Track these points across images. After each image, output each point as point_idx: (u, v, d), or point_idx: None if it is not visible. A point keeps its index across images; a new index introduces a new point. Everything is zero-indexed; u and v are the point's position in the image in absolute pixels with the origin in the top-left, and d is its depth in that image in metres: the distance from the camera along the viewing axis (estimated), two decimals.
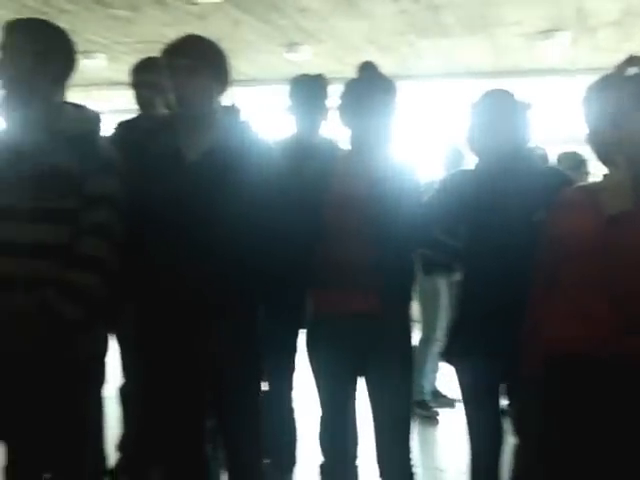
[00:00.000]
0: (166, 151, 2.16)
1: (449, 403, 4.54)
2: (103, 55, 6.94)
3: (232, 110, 2.34)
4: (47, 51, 1.99)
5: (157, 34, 6.03)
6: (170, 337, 2.16)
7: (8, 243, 1.93)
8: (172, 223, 2.07)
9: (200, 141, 2.12)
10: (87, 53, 6.64)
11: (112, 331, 2.39)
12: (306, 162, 2.48)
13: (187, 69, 2.07)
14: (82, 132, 2.01)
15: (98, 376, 2.13)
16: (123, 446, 3.14)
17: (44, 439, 2.02)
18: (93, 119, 2.09)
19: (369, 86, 2.32)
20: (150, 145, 2.21)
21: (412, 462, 2.41)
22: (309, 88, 2.94)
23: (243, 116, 2.44)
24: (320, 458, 2.58)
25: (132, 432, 3.00)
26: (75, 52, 2.08)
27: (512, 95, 2.37)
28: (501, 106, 2.34)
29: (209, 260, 2.06)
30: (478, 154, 2.40)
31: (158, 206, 2.08)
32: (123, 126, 2.94)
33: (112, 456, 3.07)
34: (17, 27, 2.01)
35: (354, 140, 2.38)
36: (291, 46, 6.52)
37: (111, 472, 2.98)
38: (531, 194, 2.23)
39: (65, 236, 1.95)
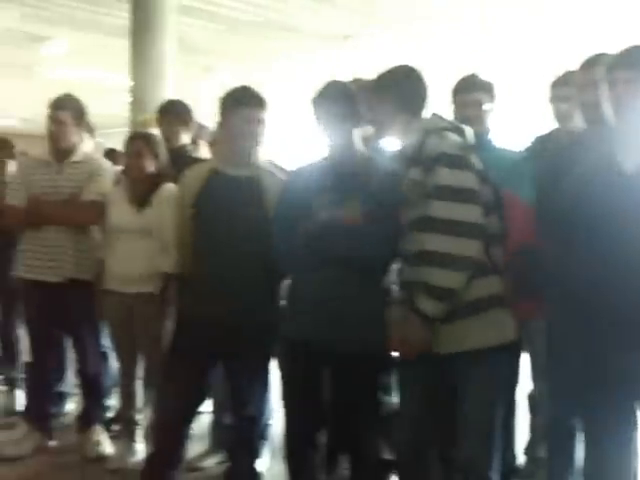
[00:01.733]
0: (601, 162, 2.20)
1: None
2: None
3: None
4: (405, 94, 2.36)
5: None
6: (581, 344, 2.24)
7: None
8: (605, 234, 2.10)
9: (638, 152, 2.13)
10: None
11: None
12: None
13: (627, 81, 2.10)
14: (417, 140, 2.26)
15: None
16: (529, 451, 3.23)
17: None
18: (429, 127, 2.30)
19: None
20: (581, 157, 2.26)
21: None
22: None
23: None
24: None
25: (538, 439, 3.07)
26: (426, 88, 2.40)
27: None
28: None
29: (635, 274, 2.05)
30: None
31: (591, 216, 2.13)
32: (541, 139, 3.02)
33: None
34: (379, 79, 2.45)
35: None
36: None
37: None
38: None
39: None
